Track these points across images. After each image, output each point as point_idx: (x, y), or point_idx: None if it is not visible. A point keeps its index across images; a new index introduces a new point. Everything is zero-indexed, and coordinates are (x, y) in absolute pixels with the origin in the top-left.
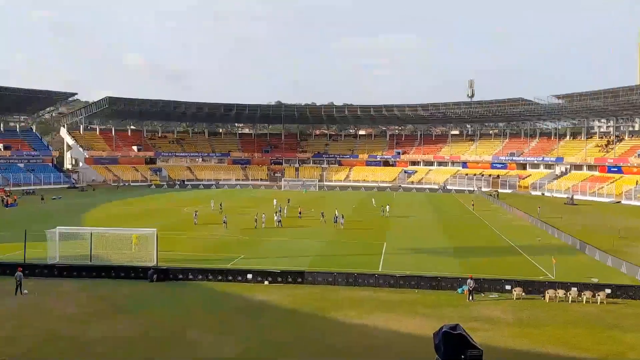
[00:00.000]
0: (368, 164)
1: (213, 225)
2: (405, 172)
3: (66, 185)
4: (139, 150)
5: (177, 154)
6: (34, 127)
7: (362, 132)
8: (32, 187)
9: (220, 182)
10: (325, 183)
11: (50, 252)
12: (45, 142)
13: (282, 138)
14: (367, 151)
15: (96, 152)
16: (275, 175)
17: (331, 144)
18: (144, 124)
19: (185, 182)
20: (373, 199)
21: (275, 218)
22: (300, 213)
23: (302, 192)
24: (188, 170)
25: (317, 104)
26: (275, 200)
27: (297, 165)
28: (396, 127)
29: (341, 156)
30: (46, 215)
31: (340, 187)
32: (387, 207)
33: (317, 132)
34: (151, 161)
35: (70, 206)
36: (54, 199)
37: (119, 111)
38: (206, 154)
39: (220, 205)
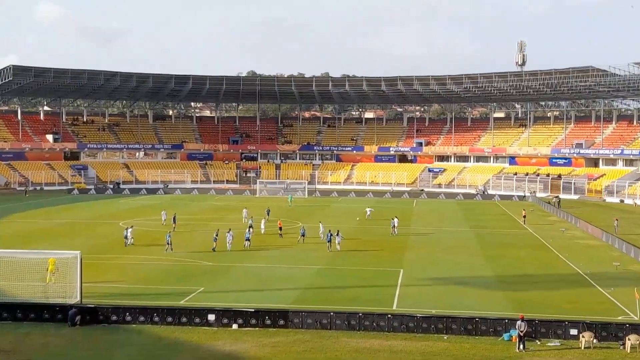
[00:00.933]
0: (378, 159)
1: (160, 246)
2: (429, 170)
3: None
4: (55, 140)
5: (109, 146)
6: None
7: (369, 114)
8: None
9: (171, 186)
10: (317, 186)
11: None
12: None
13: (258, 123)
14: (376, 141)
15: None
16: (248, 175)
17: (326, 131)
18: (62, 103)
19: (121, 186)
20: (368, 209)
21: (246, 235)
22: (280, 229)
23: (286, 200)
24: (125, 169)
25: (307, 76)
26: (245, 211)
27: (278, 161)
28: (417, 107)
29: (340, 148)
30: None
31: (338, 193)
32: (395, 220)
33: (307, 114)
34: (72, 156)
35: None
36: None
37: (28, 86)
38: (150, 146)
39: (174, 219)
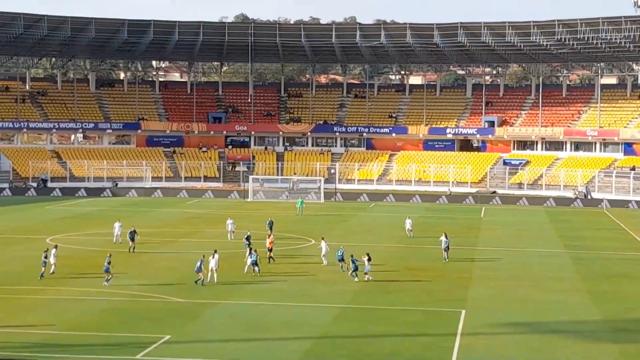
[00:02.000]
0: (428, 146)
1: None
2: (505, 163)
3: None
4: None
5: (31, 125)
6: None
7: (415, 79)
8: None
9: (122, 184)
10: (338, 186)
11: None
12: None
13: (251, 92)
14: (425, 120)
15: None
16: (236, 170)
17: (352, 104)
18: None
19: (49, 184)
20: (408, 220)
21: (249, 259)
22: (270, 250)
23: (293, 207)
24: (55, 159)
25: (323, 22)
26: (230, 223)
27: (280, 148)
28: (487, 69)
29: (372, 130)
30: None
31: (369, 196)
32: (444, 239)
33: (323, 79)
34: None
35: None
36: None
37: None
38: (92, 125)
39: (133, 234)
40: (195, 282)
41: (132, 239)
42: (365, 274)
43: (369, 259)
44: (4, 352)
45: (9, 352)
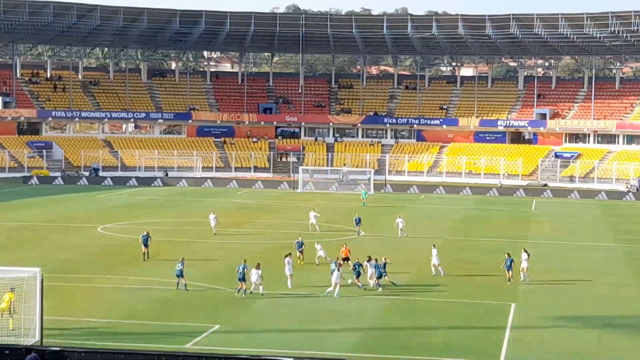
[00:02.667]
0: (479, 138)
1: (160, 260)
2: (556, 156)
3: None
4: (5, 105)
5: (84, 115)
6: None
7: (466, 71)
8: None
9: (173, 174)
10: (388, 178)
11: None
12: None
13: (302, 83)
14: (477, 112)
15: None
16: (286, 160)
17: (402, 95)
18: (16, 51)
19: (101, 173)
20: (399, 218)
21: (287, 268)
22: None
23: (346, 198)
24: (106, 148)
25: (375, 13)
26: (313, 214)
27: (330, 139)
28: (539, 61)
29: (423, 121)
30: None
31: (419, 187)
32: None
33: (374, 70)
34: (30, 128)
35: None
36: None
37: None
38: (144, 115)
39: (146, 238)
40: (237, 291)
41: (146, 244)
42: (378, 278)
43: (385, 262)
44: (58, 340)
45: (63, 339)
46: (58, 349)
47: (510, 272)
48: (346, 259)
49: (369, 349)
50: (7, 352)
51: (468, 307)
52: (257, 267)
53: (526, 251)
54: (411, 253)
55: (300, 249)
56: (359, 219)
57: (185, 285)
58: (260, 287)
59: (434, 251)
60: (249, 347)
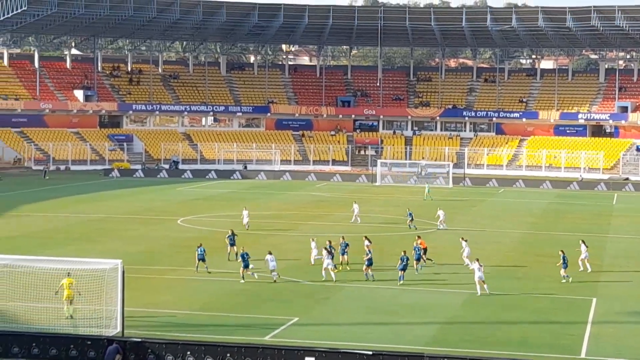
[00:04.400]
0: (559, 131)
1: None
2: (638, 148)
3: None
4: (87, 98)
5: (164, 108)
6: None
7: (546, 63)
8: None
9: (252, 167)
10: (467, 171)
11: None
12: None
13: (380, 76)
14: (557, 105)
15: (2, 102)
16: (364, 153)
17: (481, 88)
18: (97, 45)
19: (181, 166)
20: (440, 210)
21: (325, 261)
22: (424, 252)
23: (420, 192)
24: (186, 141)
25: (454, 5)
26: (356, 208)
27: (408, 132)
28: (620, 53)
29: (502, 114)
30: None
31: (498, 181)
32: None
33: (453, 63)
34: (111, 121)
35: None
36: None
37: (49, 19)
38: (222, 108)
39: (232, 238)
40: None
41: (233, 244)
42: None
43: (480, 265)
44: (137, 331)
45: (142, 331)
46: (139, 340)
47: (564, 270)
48: (424, 250)
49: (446, 342)
50: (89, 342)
51: (547, 301)
52: (270, 253)
53: (584, 243)
54: (490, 247)
55: (343, 253)
56: (411, 215)
57: (207, 268)
58: (274, 274)
59: (464, 243)
60: (327, 340)
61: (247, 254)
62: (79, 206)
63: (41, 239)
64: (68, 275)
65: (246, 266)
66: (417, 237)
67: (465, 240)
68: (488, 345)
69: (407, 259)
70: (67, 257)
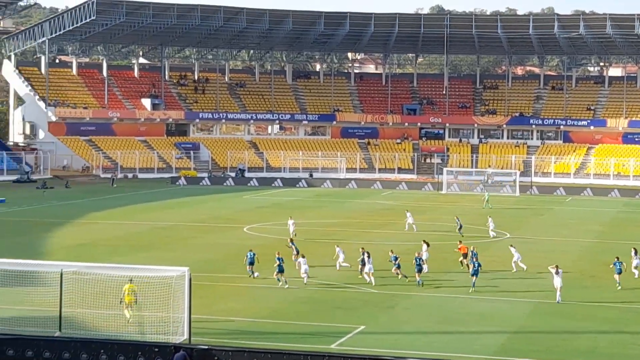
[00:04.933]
0: (627, 139)
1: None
2: None
3: (12, 177)
4: (154, 107)
5: (230, 116)
6: None
7: (614, 71)
8: None
9: (317, 175)
10: (534, 179)
11: None
12: None
13: (446, 84)
14: (625, 112)
15: (72, 110)
16: (430, 161)
17: (548, 96)
18: (165, 54)
19: (247, 174)
20: (490, 218)
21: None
22: (465, 256)
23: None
24: (252, 149)
25: (520, 13)
26: (409, 217)
27: (474, 140)
28: None
29: (570, 122)
30: None
31: (566, 189)
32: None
33: (519, 71)
34: (178, 130)
35: (20, 219)
36: None
37: (117, 28)
38: (288, 116)
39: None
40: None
41: (297, 252)
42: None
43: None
44: (204, 339)
45: (209, 338)
46: (206, 347)
47: (618, 276)
48: (465, 255)
49: (514, 352)
50: (156, 349)
51: (616, 311)
52: (303, 256)
53: (636, 250)
54: (557, 255)
55: (396, 265)
56: (460, 225)
57: (253, 272)
58: (305, 277)
59: (512, 249)
60: (394, 349)
61: (282, 259)
62: (147, 214)
63: (109, 246)
64: (130, 282)
65: (281, 270)
66: (458, 242)
67: (514, 247)
68: (556, 354)
69: (480, 265)
70: (134, 265)
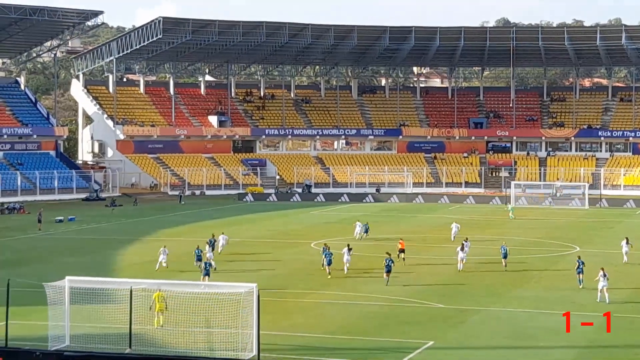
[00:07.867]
0: None
1: (370, 278)
2: None
3: (82, 195)
4: (221, 124)
5: (296, 132)
6: (21, 79)
7: None
8: (18, 200)
9: (384, 190)
10: (603, 192)
11: (52, 327)
12: (43, 109)
13: (512, 97)
14: None
15: (140, 128)
16: (497, 175)
17: (617, 108)
18: (230, 71)
19: (313, 189)
20: (511, 209)
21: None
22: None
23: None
24: (318, 165)
25: (587, 24)
26: (454, 227)
27: (542, 153)
28: None
29: (638, 134)
30: (42, 255)
31: (636, 202)
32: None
33: (587, 83)
34: (245, 146)
35: (89, 237)
36: (59, 221)
37: (183, 46)
38: (354, 131)
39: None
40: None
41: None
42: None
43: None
44: (273, 355)
45: (278, 354)
46: None
47: (580, 275)
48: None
49: None
50: None
51: None
52: (349, 247)
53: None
54: (629, 269)
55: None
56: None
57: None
58: (346, 267)
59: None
60: None
61: (331, 253)
62: (215, 231)
63: (177, 263)
64: (159, 290)
65: (329, 263)
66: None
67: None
68: None
69: (584, 263)
70: (203, 282)
